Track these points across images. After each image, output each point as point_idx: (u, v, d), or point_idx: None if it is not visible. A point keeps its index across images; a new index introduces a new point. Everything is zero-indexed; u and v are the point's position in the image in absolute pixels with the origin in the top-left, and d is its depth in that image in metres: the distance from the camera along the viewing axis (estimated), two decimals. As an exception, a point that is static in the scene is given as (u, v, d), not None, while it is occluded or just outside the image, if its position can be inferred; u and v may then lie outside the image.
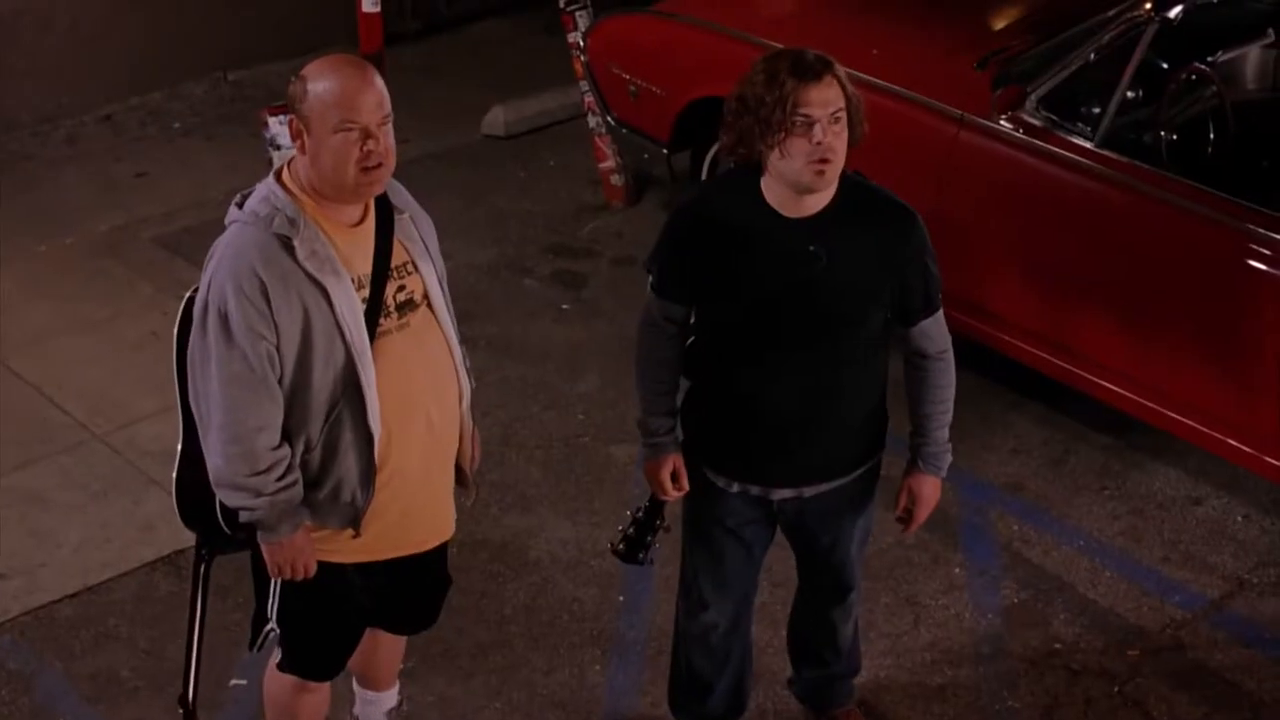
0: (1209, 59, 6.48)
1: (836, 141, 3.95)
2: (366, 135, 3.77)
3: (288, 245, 3.81)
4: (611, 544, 4.65)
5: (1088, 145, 5.95)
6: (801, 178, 3.98)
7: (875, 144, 6.17)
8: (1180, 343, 5.76)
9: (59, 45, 8.70)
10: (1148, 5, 5.91)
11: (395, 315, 3.98)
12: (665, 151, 7.27)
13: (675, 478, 4.41)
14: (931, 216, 6.02)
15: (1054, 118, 6.06)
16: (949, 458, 4.41)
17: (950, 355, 4.33)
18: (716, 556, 4.49)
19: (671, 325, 4.33)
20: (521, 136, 8.77)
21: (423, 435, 4.08)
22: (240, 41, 9.32)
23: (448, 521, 4.32)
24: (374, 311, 3.93)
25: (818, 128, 3.92)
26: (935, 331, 4.28)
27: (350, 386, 3.90)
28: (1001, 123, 6.12)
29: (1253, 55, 6.87)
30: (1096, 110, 6.01)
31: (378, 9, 6.49)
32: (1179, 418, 5.84)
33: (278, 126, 6.85)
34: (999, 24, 6.83)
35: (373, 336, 3.92)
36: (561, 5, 7.79)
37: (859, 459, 4.40)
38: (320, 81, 3.78)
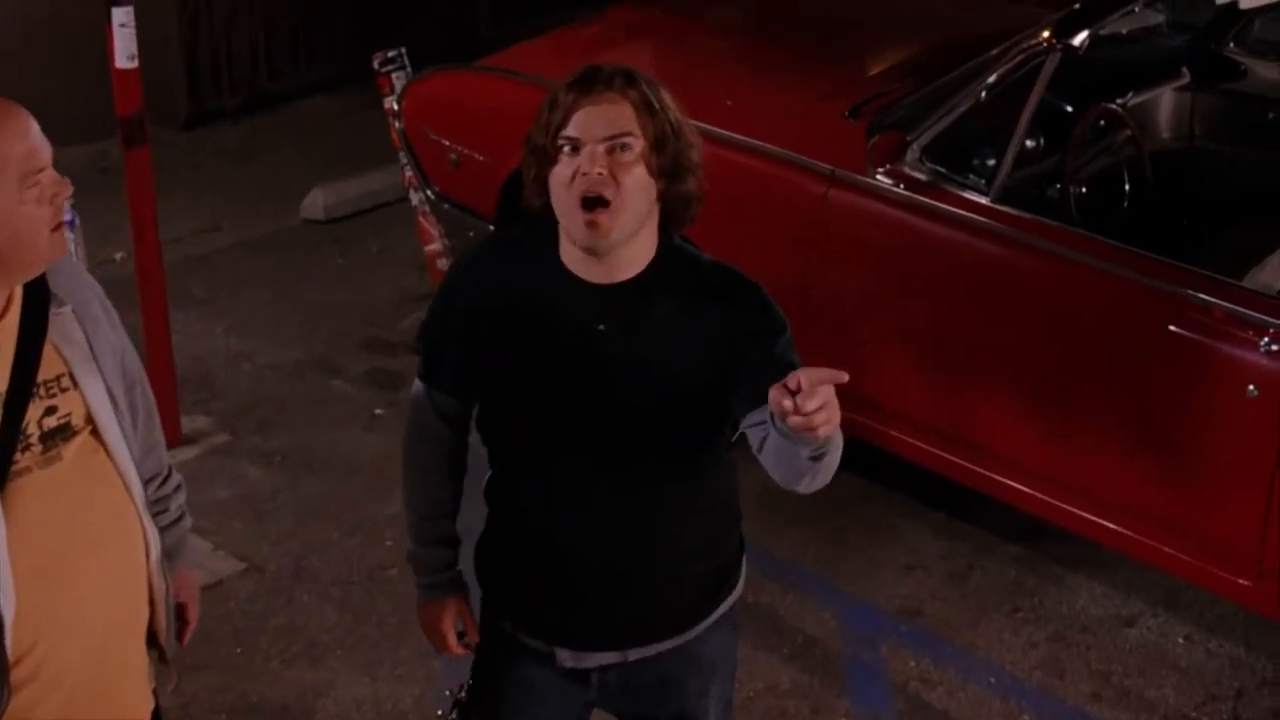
0: (1118, 102, 5.62)
1: (621, 175, 2.98)
2: (55, 182, 2.87)
3: None
4: (441, 714, 3.59)
5: (982, 200, 5.07)
6: (570, 224, 3.02)
7: (731, 208, 5.27)
8: (1105, 431, 4.87)
9: None
10: (1046, 33, 5.03)
11: (38, 448, 2.93)
12: (493, 229, 6.26)
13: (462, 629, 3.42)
14: (800, 291, 5.23)
15: (941, 169, 5.16)
16: None
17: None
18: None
19: (444, 425, 3.33)
20: (343, 220, 7.83)
21: (86, 606, 3.00)
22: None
23: (134, 711, 3.21)
24: (7, 445, 2.88)
25: (585, 153, 2.96)
26: None
27: None
28: (879, 177, 5.20)
29: (1166, 98, 6.08)
30: (991, 160, 5.13)
31: (134, 64, 5.43)
32: (1106, 523, 4.93)
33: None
34: (876, 68, 5.92)
35: (3, 478, 2.87)
36: (376, 67, 6.81)
37: (703, 608, 3.34)
38: None
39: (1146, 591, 5.22)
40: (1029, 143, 5.29)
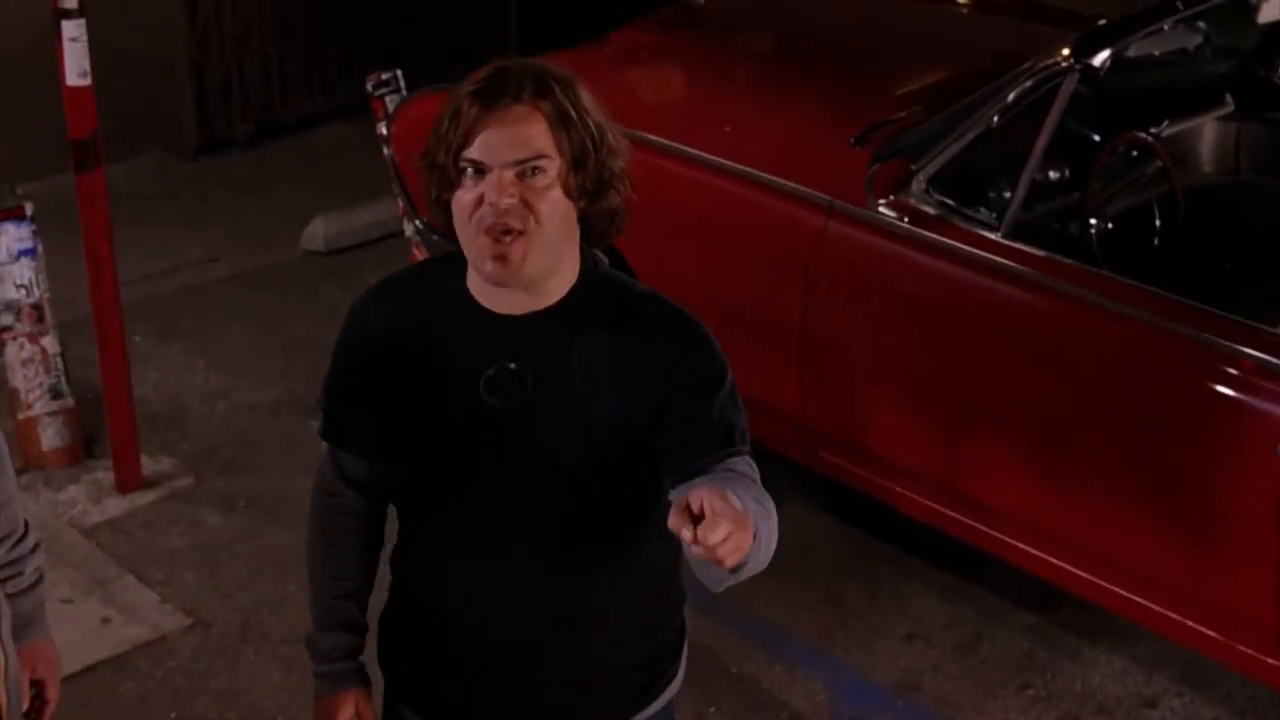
0: (1152, 132, 5.18)
1: (535, 202, 2.59)
2: None
3: None
4: None
5: (993, 236, 4.65)
6: (475, 256, 2.64)
7: (722, 241, 4.89)
8: (1123, 492, 4.44)
9: None
10: (1065, 51, 4.60)
11: None
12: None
13: None
14: (795, 333, 4.80)
15: (949, 202, 4.75)
16: None
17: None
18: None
19: (351, 491, 2.95)
20: (345, 251, 7.48)
21: None
22: (32, 151, 7.99)
23: None
24: None
25: (491, 179, 2.57)
26: None
27: None
28: (881, 209, 4.79)
29: (1208, 128, 5.62)
30: (1005, 192, 4.72)
31: (87, 82, 5.07)
32: (1123, 592, 4.50)
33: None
34: (890, 93, 5.48)
35: None
36: (370, 89, 6.47)
37: (633, 703, 2.94)
38: None
39: (1170, 668, 4.77)
40: (1051, 174, 4.93)
